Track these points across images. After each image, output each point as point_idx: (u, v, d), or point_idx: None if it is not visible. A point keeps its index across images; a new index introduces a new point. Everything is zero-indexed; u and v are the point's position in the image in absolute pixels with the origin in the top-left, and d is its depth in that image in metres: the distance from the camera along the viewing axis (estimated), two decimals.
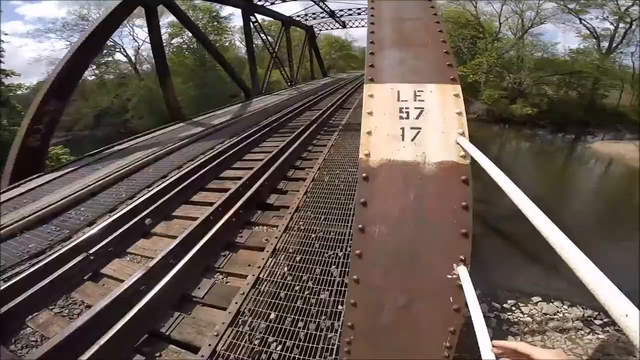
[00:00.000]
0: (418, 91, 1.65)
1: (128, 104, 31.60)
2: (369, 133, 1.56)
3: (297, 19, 27.05)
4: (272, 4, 20.07)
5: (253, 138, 6.88)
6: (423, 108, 1.59)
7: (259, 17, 18.24)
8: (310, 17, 28.80)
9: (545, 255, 6.00)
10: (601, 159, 17.57)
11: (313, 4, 22.65)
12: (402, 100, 1.63)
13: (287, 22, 23.58)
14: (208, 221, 3.39)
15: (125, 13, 9.83)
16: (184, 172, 5.10)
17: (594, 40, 26.21)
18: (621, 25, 25.03)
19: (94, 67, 34.10)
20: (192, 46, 34.82)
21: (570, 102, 25.12)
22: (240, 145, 6.36)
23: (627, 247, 7.91)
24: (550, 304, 5.77)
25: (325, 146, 6.05)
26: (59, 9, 68.77)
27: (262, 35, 19.19)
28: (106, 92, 33.55)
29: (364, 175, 1.48)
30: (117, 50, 34.49)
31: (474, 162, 1.32)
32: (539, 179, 14.91)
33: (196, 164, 5.49)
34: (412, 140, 1.51)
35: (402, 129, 1.54)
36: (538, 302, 5.83)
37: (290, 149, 5.56)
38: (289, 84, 23.70)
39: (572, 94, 25.98)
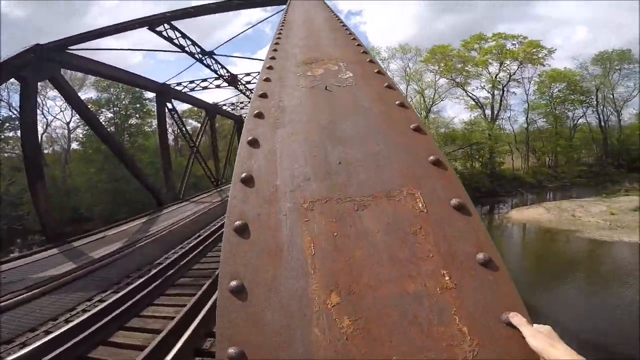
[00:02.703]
0: None
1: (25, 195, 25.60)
2: None
3: (225, 108, 25.22)
4: (192, 90, 18.71)
5: (134, 300, 4.72)
6: None
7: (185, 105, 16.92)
8: (238, 105, 25.92)
9: None
10: (521, 225, 19.21)
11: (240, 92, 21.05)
12: None
13: (212, 110, 22.92)
14: None
15: None
16: None
17: (480, 110, 31.75)
18: (497, 93, 31.11)
19: None
20: (110, 129, 31.58)
21: (477, 174, 28.57)
22: (104, 320, 4.16)
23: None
24: None
25: None
26: None
27: (179, 124, 17.90)
28: (1, 177, 27.10)
29: None
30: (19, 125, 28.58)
31: None
32: None
33: None
34: None
35: None
36: None
37: (190, 330, 3.67)
38: (214, 183, 21.02)
39: (476, 166, 29.78)
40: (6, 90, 26.25)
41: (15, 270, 6.61)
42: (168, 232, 8.89)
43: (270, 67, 1.60)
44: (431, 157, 0.92)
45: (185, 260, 6.24)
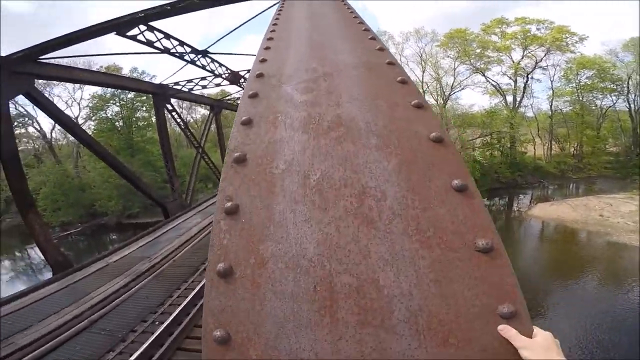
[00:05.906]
0: None
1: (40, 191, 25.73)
2: None
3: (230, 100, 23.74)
4: (190, 90, 17.43)
5: None
6: None
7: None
8: None
9: None
10: (545, 224, 18.31)
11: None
12: None
13: (217, 106, 22.06)
14: None
15: None
16: None
17: (501, 96, 29.87)
18: (519, 80, 29.27)
19: None
20: (118, 123, 31.65)
21: (497, 164, 27.22)
22: None
23: None
24: None
25: None
26: None
27: (183, 128, 17.25)
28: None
29: None
30: (30, 122, 29.66)
31: None
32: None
33: None
34: None
35: None
36: None
37: None
38: None
39: (496, 155, 28.30)
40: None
41: (22, 314, 6.50)
42: (171, 264, 8.57)
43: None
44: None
45: (190, 317, 5.90)
